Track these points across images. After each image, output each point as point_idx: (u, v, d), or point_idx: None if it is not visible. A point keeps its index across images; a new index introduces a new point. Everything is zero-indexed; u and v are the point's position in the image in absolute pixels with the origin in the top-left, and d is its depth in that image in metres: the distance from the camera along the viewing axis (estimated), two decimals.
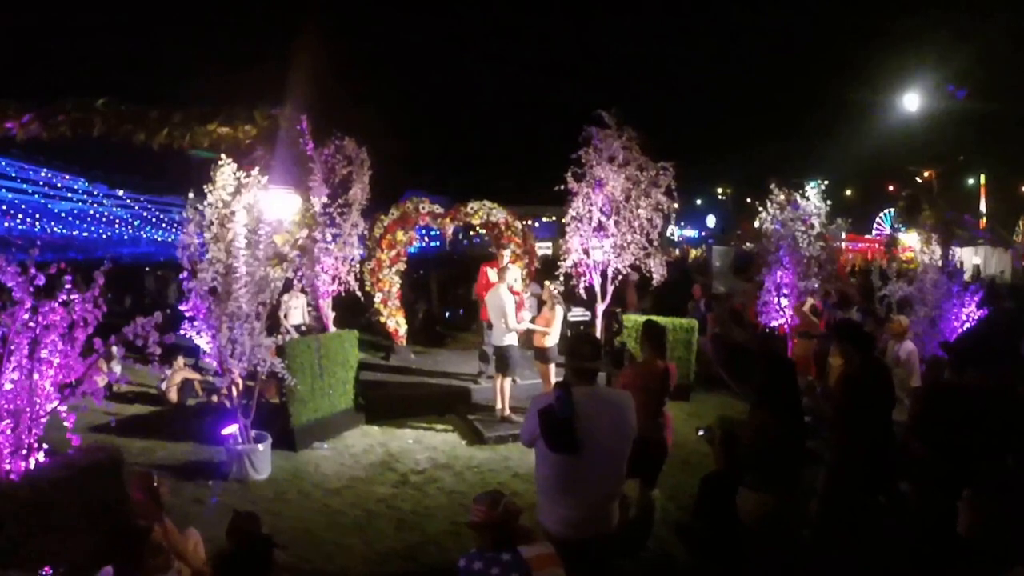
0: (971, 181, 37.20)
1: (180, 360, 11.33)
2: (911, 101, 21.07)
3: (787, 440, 5.02)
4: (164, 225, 40.19)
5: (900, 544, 5.19)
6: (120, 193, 35.81)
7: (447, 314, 18.35)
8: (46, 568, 4.76)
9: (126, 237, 39.64)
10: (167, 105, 8.67)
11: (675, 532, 6.10)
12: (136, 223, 40.10)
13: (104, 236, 38.27)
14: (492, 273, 11.38)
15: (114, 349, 6.17)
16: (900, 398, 7.08)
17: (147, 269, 22.06)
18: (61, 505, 5.25)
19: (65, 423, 5.71)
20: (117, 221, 39.04)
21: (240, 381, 8.27)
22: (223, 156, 8.10)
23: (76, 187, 35.72)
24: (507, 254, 11.21)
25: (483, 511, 3.54)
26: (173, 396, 11.05)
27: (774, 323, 10.90)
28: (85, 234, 37.48)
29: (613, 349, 7.51)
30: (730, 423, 7.04)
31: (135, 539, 3.53)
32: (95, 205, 37.34)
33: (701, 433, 5.77)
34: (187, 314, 7.88)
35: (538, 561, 3.48)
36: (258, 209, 8.01)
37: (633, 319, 11.20)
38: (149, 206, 38.17)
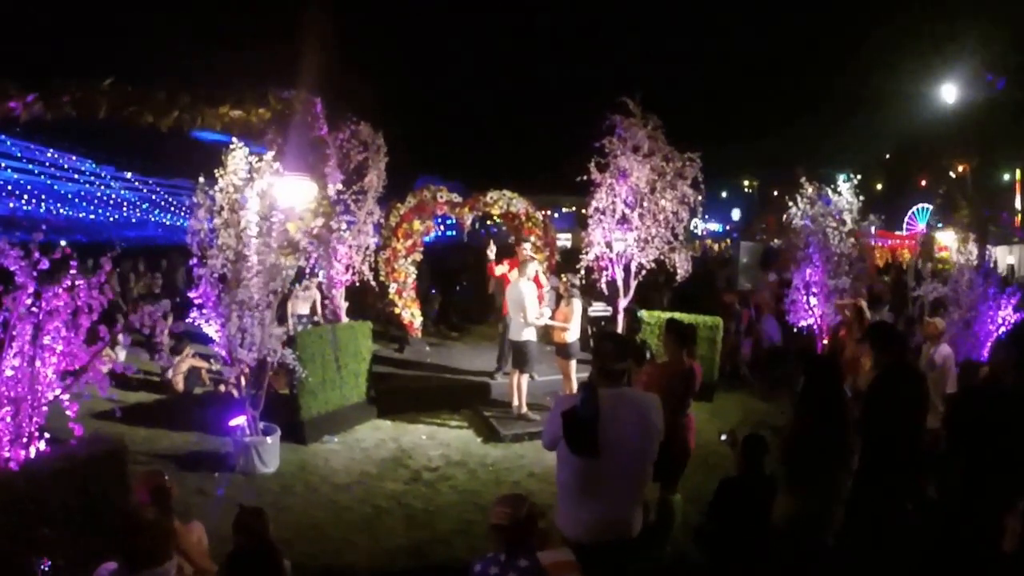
0: (1006, 176, 36.72)
1: (187, 348, 11.05)
2: (948, 92, 20.67)
3: (827, 444, 4.83)
4: (173, 208, 39.94)
5: (929, 553, 4.92)
6: (128, 175, 35.55)
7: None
8: (44, 560, 4.54)
9: (133, 220, 39.40)
10: (176, 86, 8.37)
11: (693, 538, 5.88)
12: (144, 206, 39.82)
13: (112, 219, 38.11)
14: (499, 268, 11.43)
15: (120, 336, 5.91)
16: (934, 404, 6.80)
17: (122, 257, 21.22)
18: (60, 497, 5.06)
19: (67, 411, 5.47)
20: (124, 203, 38.79)
21: (249, 371, 7.99)
22: (235, 139, 7.82)
23: (83, 168, 35.51)
24: (527, 246, 10.91)
25: (507, 513, 3.40)
26: (179, 384, 10.80)
27: (803, 322, 10.59)
28: (92, 216, 37.40)
29: (634, 346, 7.24)
30: (758, 428, 6.80)
31: (142, 534, 3.26)
32: (102, 187, 37.12)
33: (723, 438, 5.57)
34: (196, 301, 7.62)
35: (557, 568, 3.38)
36: (271, 196, 7.72)
37: (656, 315, 10.92)
38: (158, 189, 37.91)
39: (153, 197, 38.89)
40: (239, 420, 7.97)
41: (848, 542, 5.25)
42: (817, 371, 5.30)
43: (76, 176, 35.59)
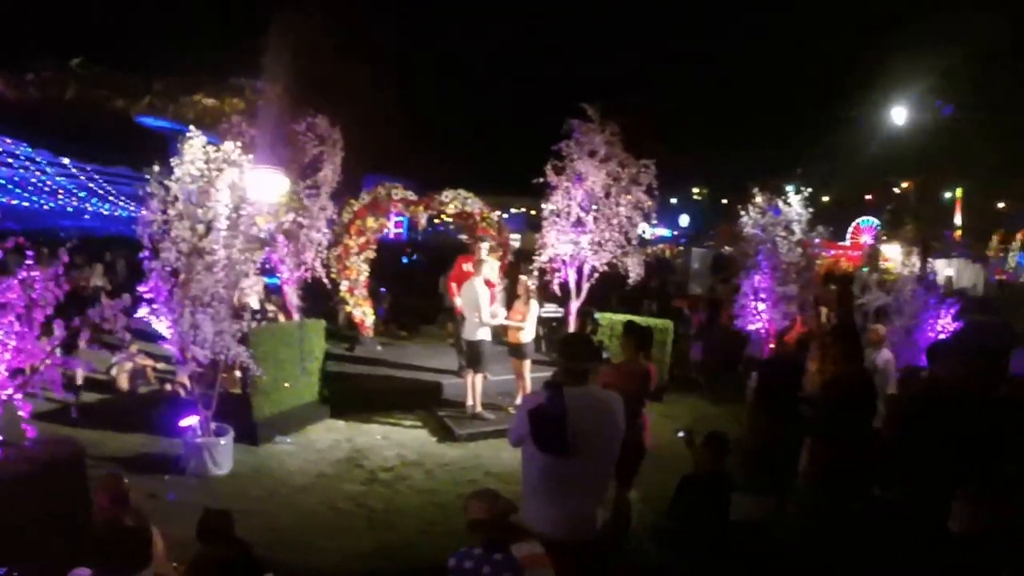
0: (948, 195, 38.20)
1: (133, 345, 10.68)
2: (898, 114, 21.43)
3: (786, 445, 4.97)
4: (111, 198, 38.52)
5: (882, 546, 5.12)
6: (65, 161, 34.16)
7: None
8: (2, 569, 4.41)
9: (69, 209, 38.02)
10: (149, 71, 8.13)
11: (653, 537, 6.00)
12: (82, 194, 38.33)
13: (46, 207, 36.74)
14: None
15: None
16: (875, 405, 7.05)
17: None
18: (22, 502, 4.88)
19: (20, 412, 5.28)
20: (60, 191, 37.36)
21: (201, 369, 7.79)
22: (192, 128, 7.57)
23: (18, 152, 34.10)
24: (485, 246, 10.96)
25: (485, 508, 3.44)
26: (123, 383, 10.41)
27: (751, 326, 10.86)
28: (25, 204, 35.98)
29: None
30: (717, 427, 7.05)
31: (124, 543, 3.19)
32: (37, 173, 35.67)
33: (681, 435, 5.75)
34: (146, 296, 7.34)
35: (529, 560, 3.41)
36: (241, 188, 7.54)
37: (609, 318, 11.03)
38: (96, 176, 36.48)
39: (91, 185, 37.41)
40: (191, 420, 7.78)
41: (803, 538, 5.42)
42: (772, 373, 5.45)
43: (10, 160, 34.23)
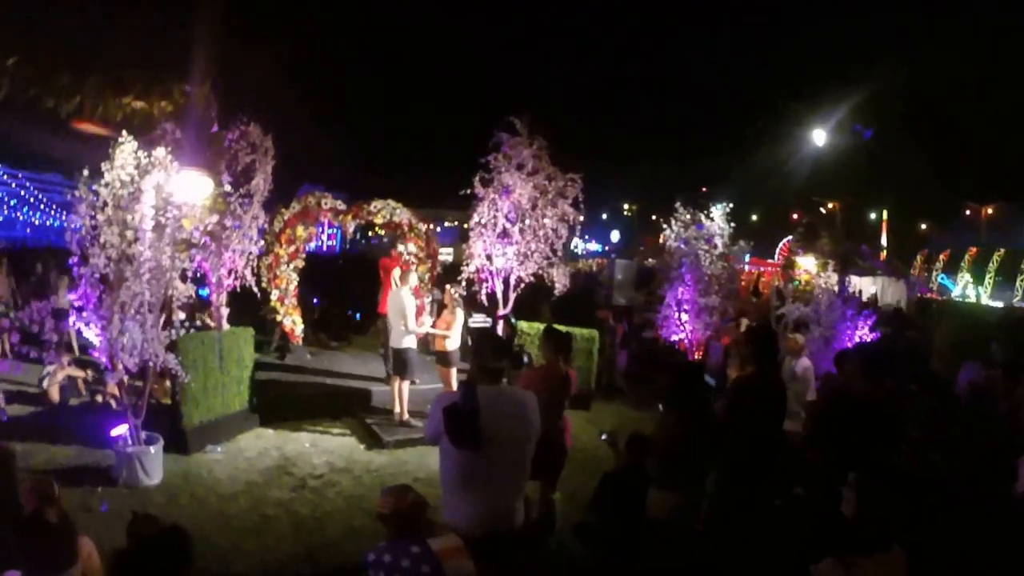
0: (873, 216, 39.71)
1: (65, 357, 10.55)
2: (819, 136, 22.20)
3: (696, 442, 5.23)
4: (42, 207, 37.18)
5: (792, 537, 5.42)
6: None
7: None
8: None
9: (0, 218, 36.69)
10: (82, 69, 8.03)
11: (575, 532, 6.24)
12: (12, 202, 36.92)
13: None
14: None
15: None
16: (796, 411, 7.42)
17: None
18: None
19: None
20: None
21: (127, 378, 7.77)
22: (124, 133, 7.53)
23: None
24: (403, 249, 11.03)
25: (392, 501, 3.59)
26: (54, 395, 10.23)
27: (674, 337, 11.21)
28: None
29: (511, 350, 7.56)
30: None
31: (46, 537, 3.27)
32: None
33: (604, 437, 6.01)
34: (75, 303, 7.31)
35: (447, 552, 3.49)
36: (167, 191, 7.51)
37: (535, 327, 11.29)
38: (27, 184, 35.14)
39: (22, 193, 35.99)
40: (120, 430, 7.73)
41: (714, 529, 5.70)
42: (683, 376, 5.75)
43: None
